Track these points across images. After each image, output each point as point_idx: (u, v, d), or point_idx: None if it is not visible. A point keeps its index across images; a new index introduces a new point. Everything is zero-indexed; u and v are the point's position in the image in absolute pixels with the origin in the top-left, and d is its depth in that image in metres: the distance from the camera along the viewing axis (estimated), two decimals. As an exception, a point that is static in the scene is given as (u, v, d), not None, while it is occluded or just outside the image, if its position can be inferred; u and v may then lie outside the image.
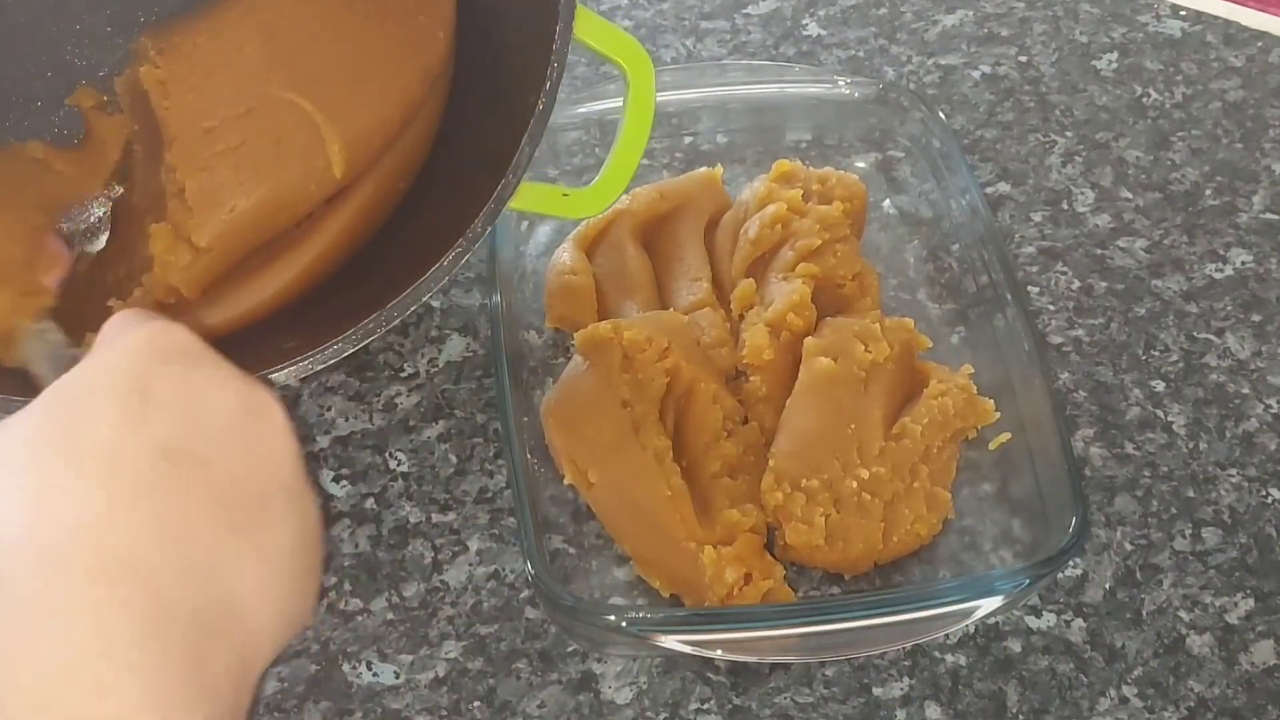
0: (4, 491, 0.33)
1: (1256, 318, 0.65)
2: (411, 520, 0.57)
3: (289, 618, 0.36)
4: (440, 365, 0.63)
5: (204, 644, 0.32)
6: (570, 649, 0.53)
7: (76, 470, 0.33)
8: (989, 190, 0.70)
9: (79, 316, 0.56)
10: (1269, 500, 0.58)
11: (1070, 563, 0.55)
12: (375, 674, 0.53)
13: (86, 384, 0.35)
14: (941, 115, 0.67)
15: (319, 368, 0.51)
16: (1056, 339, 0.64)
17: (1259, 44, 0.78)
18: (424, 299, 0.51)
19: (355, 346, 0.51)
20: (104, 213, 0.57)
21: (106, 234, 0.57)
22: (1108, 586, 0.55)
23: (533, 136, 0.52)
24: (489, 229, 0.52)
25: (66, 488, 0.32)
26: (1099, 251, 0.67)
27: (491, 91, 0.58)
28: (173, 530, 0.33)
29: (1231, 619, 0.54)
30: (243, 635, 0.33)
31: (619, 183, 0.55)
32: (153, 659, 0.31)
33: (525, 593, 0.55)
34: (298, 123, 0.54)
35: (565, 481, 0.55)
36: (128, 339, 0.36)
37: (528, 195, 0.54)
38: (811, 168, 0.64)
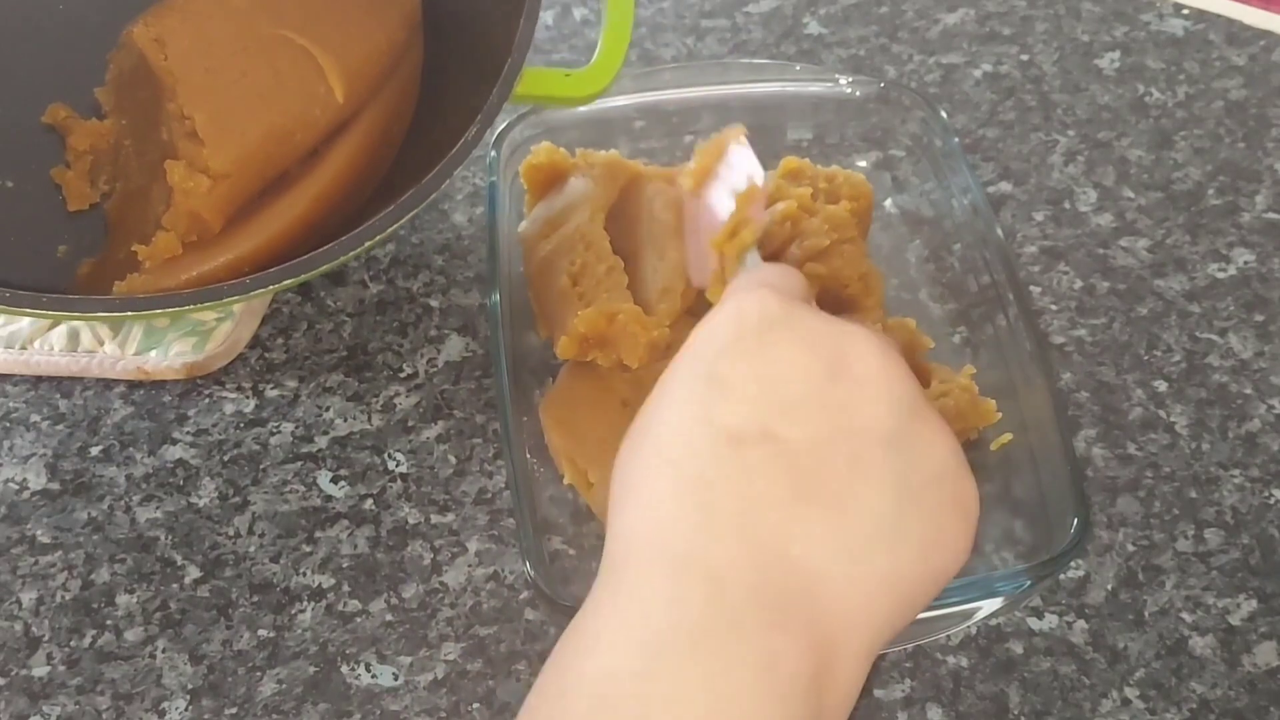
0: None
1: (1259, 318, 0.64)
2: (410, 521, 0.57)
3: (893, 580, 0.33)
4: (439, 365, 0.63)
5: (770, 634, 0.31)
6: (570, 650, 0.53)
7: (645, 465, 0.34)
8: (991, 189, 0.70)
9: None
10: (1271, 501, 0.58)
11: (1072, 564, 0.55)
12: (374, 675, 0.53)
13: (671, 368, 0.36)
14: (943, 114, 0.66)
15: (357, 250, 0.51)
16: (1058, 339, 0.63)
17: (1261, 43, 0.77)
18: (453, 174, 0.53)
19: (390, 227, 0.51)
20: None
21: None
22: (1110, 588, 0.55)
23: (529, 16, 0.54)
24: (501, 104, 0.54)
25: (637, 483, 0.34)
26: (1101, 251, 0.67)
27: (468, 34, 0.60)
28: (730, 518, 0.32)
29: (1234, 620, 0.54)
30: (815, 613, 0.32)
31: (615, 58, 0.57)
32: (707, 651, 0.30)
33: (525, 594, 0.55)
34: (294, 56, 0.57)
35: (565, 482, 0.55)
36: (713, 318, 0.36)
37: (532, 80, 0.56)
38: (819, 166, 0.64)
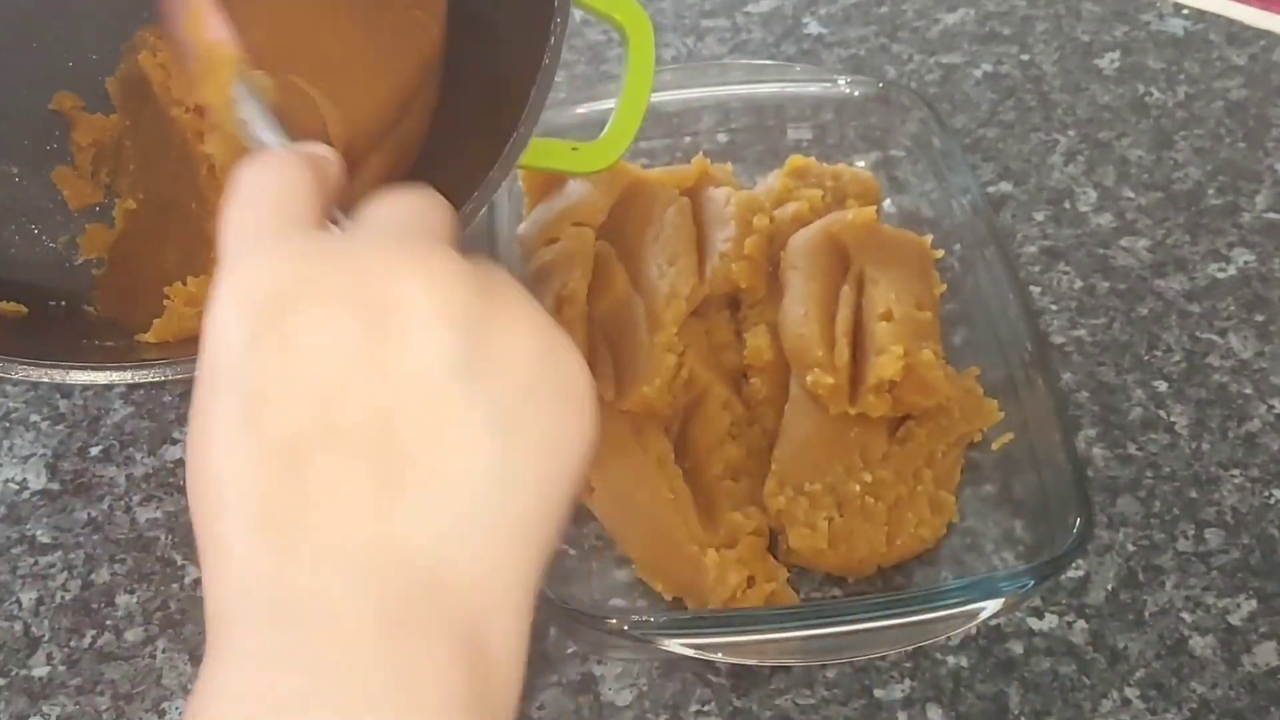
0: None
1: (1259, 318, 0.64)
2: (411, 521, 0.57)
3: (521, 519, 0.29)
4: (440, 365, 0.62)
5: (399, 646, 0.27)
6: (570, 651, 0.53)
7: (209, 520, 0.29)
8: (991, 190, 0.70)
9: (90, 320, 0.56)
10: (1271, 501, 0.58)
11: (1072, 564, 0.55)
12: (375, 676, 0.53)
13: (198, 395, 0.30)
14: (943, 114, 0.66)
15: None
16: (1059, 339, 0.63)
17: (1261, 43, 0.77)
18: None
19: None
20: None
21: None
22: (1110, 588, 0.55)
23: (541, 89, 0.52)
24: (504, 179, 0.51)
25: (209, 541, 0.29)
26: (1101, 251, 0.67)
27: (487, 69, 0.58)
28: (316, 544, 0.28)
29: (1234, 620, 0.54)
30: (447, 599, 0.28)
31: (625, 136, 0.56)
32: (329, 696, 0.26)
33: (525, 594, 0.55)
34: (298, 105, 0.55)
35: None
36: (217, 315, 0.30)
37: (537, 151, 0.54)
38: (826, 165, 0.64)
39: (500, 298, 0.30)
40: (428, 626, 0.27)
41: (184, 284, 0.53)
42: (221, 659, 0.27)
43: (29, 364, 0.48)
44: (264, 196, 0.33)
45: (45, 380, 0.48)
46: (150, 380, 0.49)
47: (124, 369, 0.48)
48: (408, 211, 0.33)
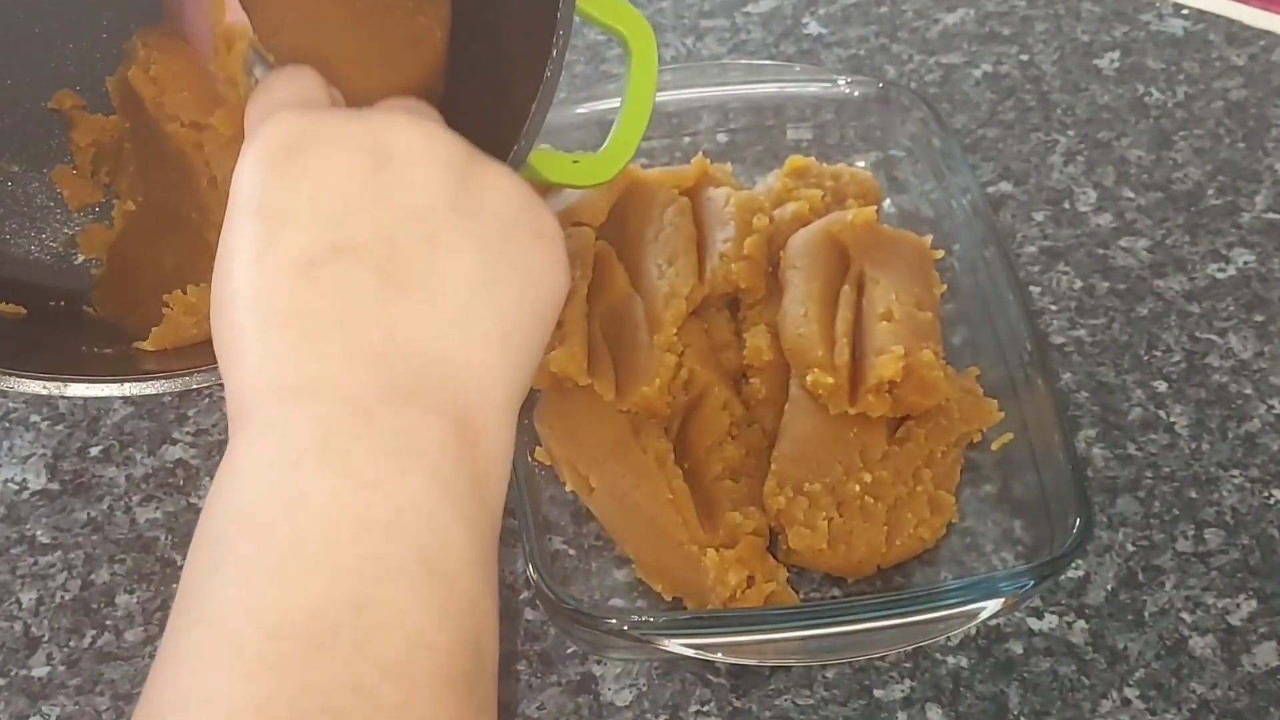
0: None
1: (1259, 318, 0.64)
2: (411, 521, 0.57)
3: (507, 332, 0.34)
4: (440, 365, 0.63)
5: (401, 416, 0.31)
6: (570, 651, 0.53)
7: (231, 324, 0.34)
8: (990, 190, 0.70)
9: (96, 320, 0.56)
10: (1271, 501, 0.58)
11: (1072, 564, 0.55)
12: (374, 676, 0.53)
13: (226, 225, 0.35)
14: (943, 114, 0.66)
15: None
16: (1058, 339, 0.63)
17: (1261, 43, 0.77)
18: None
19: None
20: None
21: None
22: (1110, 588, 0.55)
23: (542, 103, 0.51)
24: None
25: (230, 343, 0.34)
26: (1101, 251, 0.67)
27: (488, 79, 0.58)
28: (328, 336, 0.33)
29: (1234, 620, 0.54)
30: (443, 388, 0.32)
31: (627, 148, 0.55)
32: (340, 450, 0.30)
33: (525, 594, 0.55)
34: None
35: (567, 488, 0.55)
36: (243, 160, 0.35)
37: (538, 163, 0.54)
38: (825, 165, 0.64)
39: (484, 160, 0.36)
40: (425, 405, 0.32)
41: (184, 292, 0.53)
42: (238, 441, 0.31)
43: (27, 376, 0.48)
44: (281, 85, 0.39)
45: (43, 392, 0.48)
46: (147, 393, 0.50)
47: (121, 382, 0.49)
48: (405, 101, 0.41)
